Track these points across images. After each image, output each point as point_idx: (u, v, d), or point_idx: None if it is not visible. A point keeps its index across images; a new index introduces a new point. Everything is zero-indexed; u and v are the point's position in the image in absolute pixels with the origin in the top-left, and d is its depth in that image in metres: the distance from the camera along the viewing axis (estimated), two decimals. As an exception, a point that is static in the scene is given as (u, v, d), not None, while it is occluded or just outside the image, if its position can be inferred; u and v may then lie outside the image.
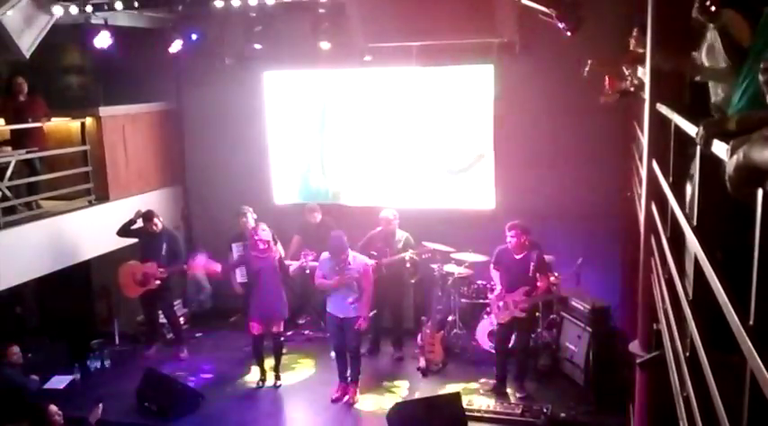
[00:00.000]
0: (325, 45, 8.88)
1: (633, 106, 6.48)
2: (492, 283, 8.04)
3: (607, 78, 5.94)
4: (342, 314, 7.58)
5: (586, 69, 5.88)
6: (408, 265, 8.99)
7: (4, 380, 7.40)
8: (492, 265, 7.87)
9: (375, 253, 8.23)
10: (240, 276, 8.56)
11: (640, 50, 5.06)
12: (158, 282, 8.72)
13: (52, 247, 8.24)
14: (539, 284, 7.56)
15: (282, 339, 8.28)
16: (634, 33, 5.29)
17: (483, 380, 7.98)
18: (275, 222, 8.75)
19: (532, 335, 7.96)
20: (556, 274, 8.20)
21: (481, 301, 8.46)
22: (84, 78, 9.84)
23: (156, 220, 8.80)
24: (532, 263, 7.50)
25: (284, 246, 8.65)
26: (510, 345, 7.79)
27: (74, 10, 8.00)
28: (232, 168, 10.28)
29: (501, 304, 7.61)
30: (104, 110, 9.21)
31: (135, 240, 8.88)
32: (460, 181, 9.46)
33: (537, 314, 8.11)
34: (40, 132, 8.57)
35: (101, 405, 6.91)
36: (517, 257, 7.57)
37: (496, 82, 9.04)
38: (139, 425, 7.58)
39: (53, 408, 6.51)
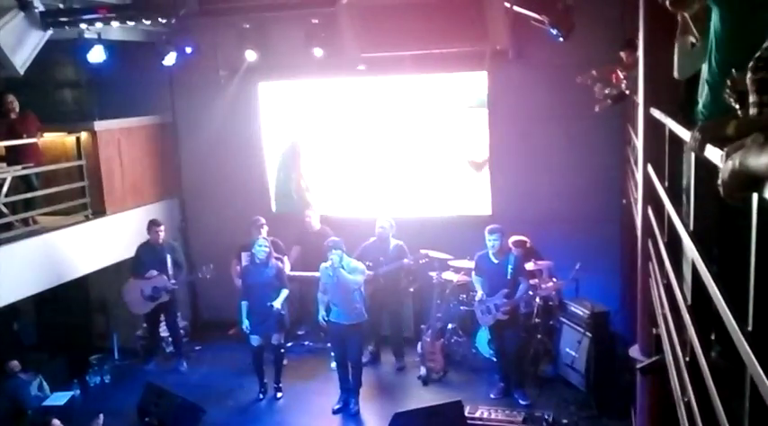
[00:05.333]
0: (318, 52, 8.93)
1: (628, 111, 6.51)
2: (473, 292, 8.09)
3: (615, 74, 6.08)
4: (347, 321, 7.58)
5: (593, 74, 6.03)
6: (405, 274, 9.03)
7: (10, 394, 7.39)
8: (473, 272, 7.91)
9: (370, 264, 8.20)
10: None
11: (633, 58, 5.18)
12: (168, 295, 8.75)
13: (50, 263, 8.22)
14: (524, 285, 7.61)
15: (282, 350, 8.26)
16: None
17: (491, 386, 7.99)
18: (274, 231, 8.76)
19: (523, 334, 7.90)
20: (554, 279, 8.20)
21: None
22: (79, 93, 9.85)
23: (161, 228, 8.87)
24: (510, 266, 7.53)
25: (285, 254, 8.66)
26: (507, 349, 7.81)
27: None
28: (229, 179, 10.28)
29: (483, 308, 7.63)
30: (99, 125, 9.19)
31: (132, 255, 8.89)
32: (457, 188, 9.46)
33: (537, 320, 8.11)
34: (36, 148, 8.56)
35: (101, 416, 6.91)
36: (495, 261, 7.61)
37: (490, 89, 9.06)
38: (140, 440, 7.55)
39: (56, 422, 6.49)
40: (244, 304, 8.02)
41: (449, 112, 9.39)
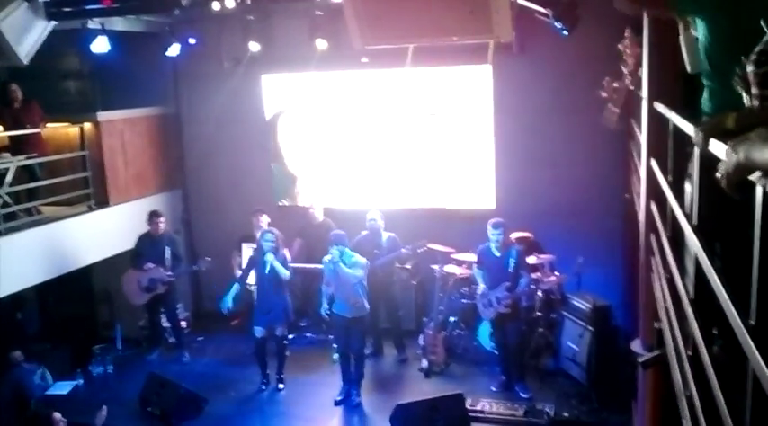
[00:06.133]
0: (321, 44, 8.92)
1: (631, 105, 6.49)
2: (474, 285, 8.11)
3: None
4: (350, 314, 7.60)
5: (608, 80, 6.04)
6: (408, 266, 9.05)
7: (14, 383, 7.43)
8: (475, 265, 7.92)
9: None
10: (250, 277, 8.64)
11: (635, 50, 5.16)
12: (165, 287, 8.79)
13: (53, 253, 8.25)
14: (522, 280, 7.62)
15: (285, 342, 8.28)
16: (626, 34, 5.37)
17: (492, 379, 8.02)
18: (277, 224, 8.76)
19: (524, 327, 7.92)
20: (557, 273, 8.21)
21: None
22: (83, 83, 9.82)
23: (161, 219, 8.91)
24: (512, 260, 7.54)
25: (287, 247, 8.67)
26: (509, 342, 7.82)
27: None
28: (232, 171, 10.29)
29: (485, 301, 7.65)
30: (103, 115, 9.21)
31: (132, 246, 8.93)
32: (460, 181, 9.46)
33: (538, 313, 8.12)
34: (39, 138, 8.58)
35: (105, 408, 6.96)
36: (498, 255, 7.61)
37: (495, 82, 9.04)
38: (143, 430, 7.59)
39: (57, 415, 6.56)
40: (236, 286, 8.14)
41: (452, 106, 9.37)
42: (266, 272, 7.91)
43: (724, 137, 1.97)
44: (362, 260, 7.67)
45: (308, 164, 10.19)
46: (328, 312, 7.83)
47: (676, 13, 3.06)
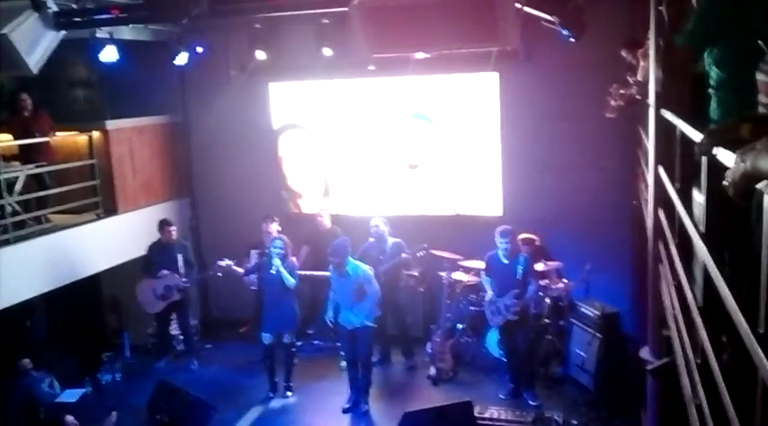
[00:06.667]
0: (327, 51, 8.96)
1: (638, 112, 6.49)
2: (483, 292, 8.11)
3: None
4: (351, 325, 7.59)
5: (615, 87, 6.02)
6: (415, 273, 9.04)
7: (23, 390, 7.46)
8: (483, 272, 7.92)
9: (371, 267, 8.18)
10: (252, 283, 8.64)
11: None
12: (181, 293, 8.81)
13: (62, 261, 8.28)
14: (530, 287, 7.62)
15: (293, 349, 8.29)
16: (648, 36, 5.38)
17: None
18: (285, 230, 8.79)
19: (533, 335, 7.90)
20: (565, 280, 8.19)
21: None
22: (91, 92, 9.89)
23: (173, 228, 8.98)
24: (520, 267, 7.53)
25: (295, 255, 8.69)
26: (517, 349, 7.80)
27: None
28: (240, 178, 10.32)
29: (493, 308, 7.64)
30: (111, 124, 9.25)
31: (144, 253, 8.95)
32: (468, 188, 9.45)
33: (547, 320, 8.10)
34: (48, 147, 8.62)
35: (114, 413, 6.96)
36: (506, 262, 7.61)
37: (502, 90, 9.05)
38: (151, 438, 7.59)
39: (70, 418, 6.55)
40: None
41: (460, 113, 9.37)
42: (274, 279, 7.92)
43: (735, 145, 1.97)
44: (367, 268, 7.66)
45: (313, 178, 10.22)
46: (332, 320, 7.83)
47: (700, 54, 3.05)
